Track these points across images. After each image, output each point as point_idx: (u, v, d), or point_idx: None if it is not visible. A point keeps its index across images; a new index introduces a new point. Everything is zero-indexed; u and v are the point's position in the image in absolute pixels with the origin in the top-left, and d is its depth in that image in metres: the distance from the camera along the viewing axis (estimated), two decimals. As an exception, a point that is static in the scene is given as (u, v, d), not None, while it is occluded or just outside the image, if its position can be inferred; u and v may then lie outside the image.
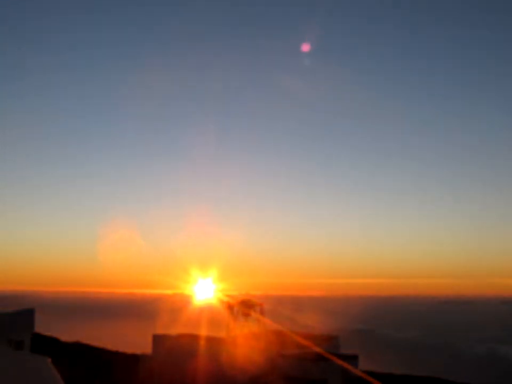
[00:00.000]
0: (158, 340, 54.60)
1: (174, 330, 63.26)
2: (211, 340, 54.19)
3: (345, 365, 46.56)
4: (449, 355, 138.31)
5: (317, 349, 49.16)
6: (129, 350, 56.65)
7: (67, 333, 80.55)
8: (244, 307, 53.75)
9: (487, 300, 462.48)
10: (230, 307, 54.23)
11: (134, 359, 49.94)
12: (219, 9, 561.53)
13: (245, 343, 51.20)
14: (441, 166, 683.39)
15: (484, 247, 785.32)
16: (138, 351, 56.34)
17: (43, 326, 51.83)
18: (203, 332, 64.44)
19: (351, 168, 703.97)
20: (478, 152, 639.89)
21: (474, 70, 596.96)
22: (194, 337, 56.27)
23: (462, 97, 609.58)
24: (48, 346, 44.21)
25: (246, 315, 53.58)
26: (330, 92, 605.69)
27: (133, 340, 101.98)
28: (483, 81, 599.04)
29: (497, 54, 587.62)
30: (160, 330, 63.26)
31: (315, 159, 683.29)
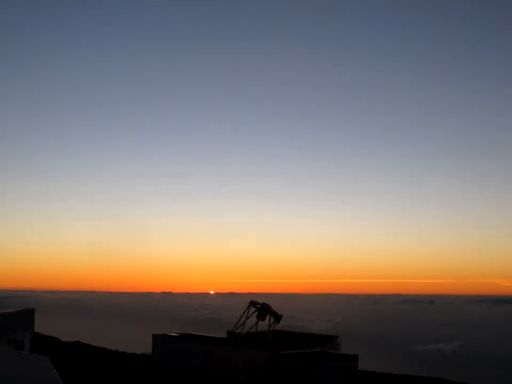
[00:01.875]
0: (158, 339, 54.64)
1: (174, 330, 63.31)
2: (210, 340, 54.22)
3: (345, 365, 46.57)
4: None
5: (317, 349, 49.20)
6: (129, 350, 56.61)
7: (67, 333, 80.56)
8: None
9: (452, 300, 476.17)
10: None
11: (134, 359, 49.95)
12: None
13: (246, 343, 51.19)
14: (407, 171, 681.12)
15: (449, 249, 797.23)
16: (138, 351, 56.38)
17: (43, 326, 51.83)
18: (203, 331, 64.47)
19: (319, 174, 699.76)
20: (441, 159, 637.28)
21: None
22: (194, 337, 56.32)
23: (469, 99, 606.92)
24: (48, 346, 44.18)
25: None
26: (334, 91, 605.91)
27: (133, 340, 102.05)
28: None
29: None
30: (160, 330, 63.31)
31: (298, 163, 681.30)
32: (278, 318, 53.70)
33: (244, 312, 54.49)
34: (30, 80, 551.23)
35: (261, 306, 54.04)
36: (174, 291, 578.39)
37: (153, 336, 55.16)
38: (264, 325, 53.86)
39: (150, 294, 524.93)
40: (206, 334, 58.51)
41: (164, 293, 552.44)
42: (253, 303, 54.69)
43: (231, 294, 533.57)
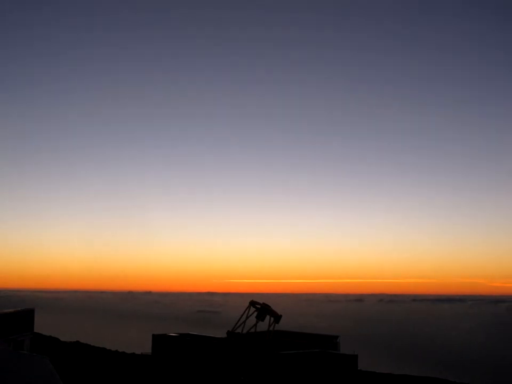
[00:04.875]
0: (158, 339, 54.62)
1: (174, 330, 63.26)
2: (210, 340, 54.14)
3: (345, 364, 46.56)
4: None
5: (317, 349, 49.20)
6: (129, 350, 56.61)
7: (67, 333, 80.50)
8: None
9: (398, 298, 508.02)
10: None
11: (134, 359, 49.89)
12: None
13: (246, 343, 51.13)
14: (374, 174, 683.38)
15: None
16: (138, 351, 56.31)
17: (43, 326, 51.76)
18: (201, 331, 64.40)
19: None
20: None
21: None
22: (194, 337, 56.26)
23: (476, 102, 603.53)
24: (48, 346, 44.15)
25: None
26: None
27: (133, 340, 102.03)
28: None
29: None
30: (160, 330, 63.28)
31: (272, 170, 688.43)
32: (277, 318, 53.63)
33: (244, 312, 54.39)
34: (32, 81, 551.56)
35: (261, 306, 53.93)
36: (153, 290, 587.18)
37: (153, 336, 55.14)
38: (264, 325, 53.81)
39: (130, 293, 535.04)
40: (206, 334, 58.48)
41: (145, 292, 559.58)
42: (253, 303, 54.59)
43: (211, 294, 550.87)
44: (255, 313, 54.03)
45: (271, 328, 53.31)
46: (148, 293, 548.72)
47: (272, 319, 53.48)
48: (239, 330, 53.60)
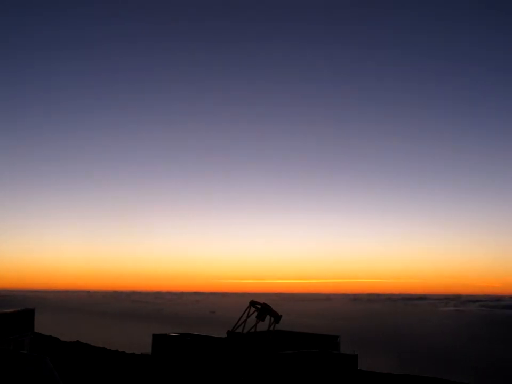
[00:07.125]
0: (158, 339, 54.64)
1: (174, 330, 63.29)
2: (210, 340, 54.17)
3: (345, 364, 46.59)
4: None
5: (317, 349, 49.21)
6: (129, 350, 56.62)
7: (67, 333, 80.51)
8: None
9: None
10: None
11: (134, 359, 49.91)
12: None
13: (246, 343, 51.15)
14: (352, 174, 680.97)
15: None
16: (138, 351, 56.33)
17: (43, 326, 51.78)
18: (202, 331, 64.41)
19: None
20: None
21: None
22: (194, 337, 56.28)
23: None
24: (48, 346, 44.17)
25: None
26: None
27: (133, 340, 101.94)
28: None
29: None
30: (160, 330, 63.29)
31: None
32: (277, 318, 53.66)
33: (244, 312, 54.40)
34: (32, 82, 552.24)
35: (261, 306, 53.95)
36: (142, 290, 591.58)
37: (153, 336, 55.15)
38: (264, 325, 53.82)
39: (116, 292, 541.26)
40: (206, 334, 58.49)
41: (132, 292, 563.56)
42: (253, 303, 54.61)
43: (199, 293, 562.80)
44: (255, 313, 54.00)
45: (271, 328, 53.33)
46: (137, 293, 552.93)
47: (272, 319, 53.49)
48: (239, 330, 53.60)
